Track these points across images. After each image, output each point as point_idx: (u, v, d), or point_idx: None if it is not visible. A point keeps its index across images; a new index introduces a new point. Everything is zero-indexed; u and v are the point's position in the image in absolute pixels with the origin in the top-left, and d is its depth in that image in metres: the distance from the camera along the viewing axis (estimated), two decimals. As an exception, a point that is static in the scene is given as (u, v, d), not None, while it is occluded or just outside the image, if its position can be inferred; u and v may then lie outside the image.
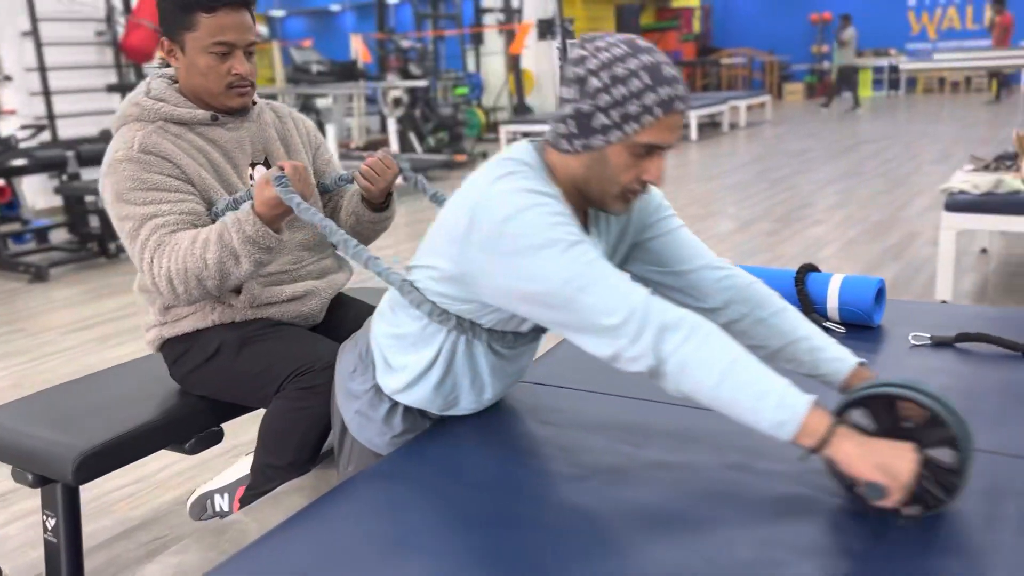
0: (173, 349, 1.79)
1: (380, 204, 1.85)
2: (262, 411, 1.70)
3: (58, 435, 1.67)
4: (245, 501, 1.69)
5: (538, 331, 1.36)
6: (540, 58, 12.61)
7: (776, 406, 1.04)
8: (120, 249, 5.63)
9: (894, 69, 16.99)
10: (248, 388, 1.70)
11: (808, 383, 1.28)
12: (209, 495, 1.82)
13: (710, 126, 12.52)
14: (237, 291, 1.71)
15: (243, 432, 2.74)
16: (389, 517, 1.15)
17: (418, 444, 1.37)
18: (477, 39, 12.49)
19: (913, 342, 1.72)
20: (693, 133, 10.97)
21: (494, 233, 1.12)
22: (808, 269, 1.91)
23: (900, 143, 9.14)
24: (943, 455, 1.06)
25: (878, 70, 17.32)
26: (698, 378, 1.06)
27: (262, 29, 23.93)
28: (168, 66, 1.75)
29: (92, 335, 3.99)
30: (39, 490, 1.73)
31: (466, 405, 1.41)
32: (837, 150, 8.96)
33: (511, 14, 11.67)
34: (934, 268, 4.18)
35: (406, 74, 10.46)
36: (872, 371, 1.25)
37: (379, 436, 1.41)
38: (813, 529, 1.05)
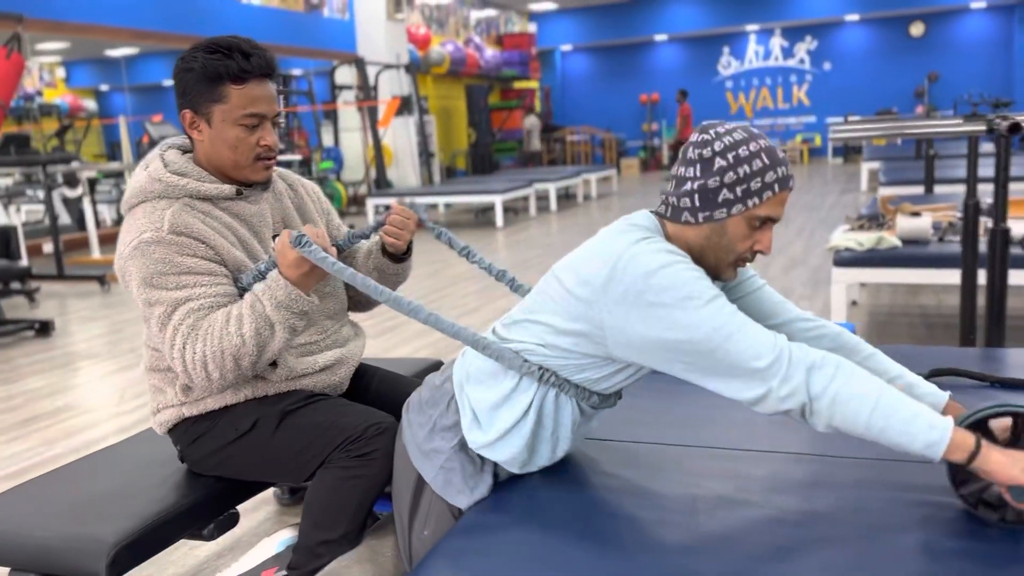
0: (192, 429, 1.70)
1: (403, 254, 1.87)
2: (270, 490, 1.62)
3: (78, 528, 1.54)
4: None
5: (617, 396, 1.45)
6: (397, 134, 12.79)
7: (928, 427, 1.16)
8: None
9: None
10: (287, 463, 1.65)
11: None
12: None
13: (565, 198, 13.08)
14: (273, 364, 1.67)
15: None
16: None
17: (500, 500, 1.39)
18: (332, 115, 12.52)
19: (893, 379, 1.92)
20: (552, 204, 11.42)
21: (639, 286, 1.23)
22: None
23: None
24: None
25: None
26: (852, 410, 1.18)
27: (90, 103, 22.78)
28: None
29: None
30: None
31: (541, 461, 1.45)
32: (688, 218, 9.61)
33: (368, 91, 11.82)
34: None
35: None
36: (959, 404, 1.39)
37: (466, 490, 1.42)
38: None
